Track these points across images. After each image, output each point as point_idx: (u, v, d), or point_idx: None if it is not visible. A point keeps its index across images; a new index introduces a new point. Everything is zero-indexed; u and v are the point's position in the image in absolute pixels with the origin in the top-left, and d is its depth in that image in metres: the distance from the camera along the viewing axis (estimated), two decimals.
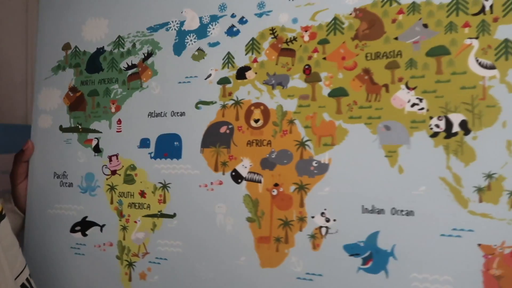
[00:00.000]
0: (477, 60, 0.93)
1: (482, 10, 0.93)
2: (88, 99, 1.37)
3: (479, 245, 0.90)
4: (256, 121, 1.13)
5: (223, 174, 1.15)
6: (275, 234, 1.08)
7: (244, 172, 1.13)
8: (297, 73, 1.10)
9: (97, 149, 1.33)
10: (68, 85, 1.41)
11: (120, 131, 1.31)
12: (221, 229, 1.14)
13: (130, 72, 1.31)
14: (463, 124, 0.93)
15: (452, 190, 0.93)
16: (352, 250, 1.00)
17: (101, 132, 1.34)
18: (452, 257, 0.92)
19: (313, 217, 1.05)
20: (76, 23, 1.41)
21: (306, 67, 1.09)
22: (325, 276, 1.02)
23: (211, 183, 1.16)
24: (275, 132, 1.10)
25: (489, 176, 0.90)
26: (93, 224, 1.32)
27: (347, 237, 1.01)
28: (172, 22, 1.26)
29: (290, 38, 1.11)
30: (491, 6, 0.92)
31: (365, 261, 0.99)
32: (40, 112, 1.44)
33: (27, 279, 1.08)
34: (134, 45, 1.32)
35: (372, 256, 0.98)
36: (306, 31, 1.09)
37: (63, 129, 1.40)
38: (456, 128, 0.94)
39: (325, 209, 1.04)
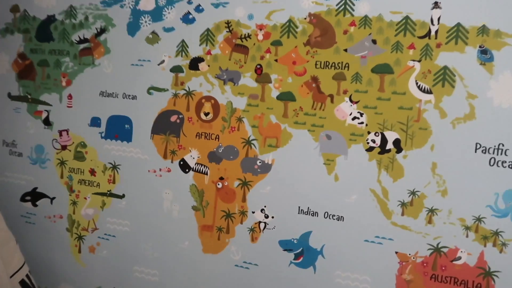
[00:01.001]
0: (416, 83, 0.97)
1: (428, 34, 0.96)
2: (38, 69, 1.33)
3: (396, 252, 1.00)
4: (206, 114, 1.15)
5: (172, 162, 1.19)
6: (218, 224, 1.15)
7: (192, 163, 1.17)
8: (248, 71, 1.11)
9: (47, 122, 1.32)
10: (17, 50, 1.35)
11: (71, 107, 1.29)
12: (168, 214, 1.20)
13: (82, 46, 1.27)
14: (397, 143, 0.99)
15: (379, 202, 1.01)
16: (286, 245, 1.09)
17: (51, 105, 1.32)
18: (372, 260, 1.02)
19: (253, 212, 1.12)
20: None
21: (258, 66, 1.10)
22: (260, 266, 1.12)
23: (160, 170, 1.20)
24: (224, 128, 1.13)
25: (413, 193, 0.98)
26: (43, 195, 1.34)
27: (282, 233, 1.09)
28: None
29: (245, 34, 1.10)
30: (436, 32, 0.95)
31: (297, 256, 1.08)
32: None
33: (27, 275, 1.06)
34: (86, 18, 1.26)
35: (303, 252, 1.08)
36: (260, 29, 1.09)
37: (11, 97, 1.37)
38: (390, 145, 1.00)
39: (265, 206, 1.10)
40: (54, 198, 1.33)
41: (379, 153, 1.01)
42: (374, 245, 1.02)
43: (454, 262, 0.97)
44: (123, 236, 1.25)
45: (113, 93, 1.24)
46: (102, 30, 1.25)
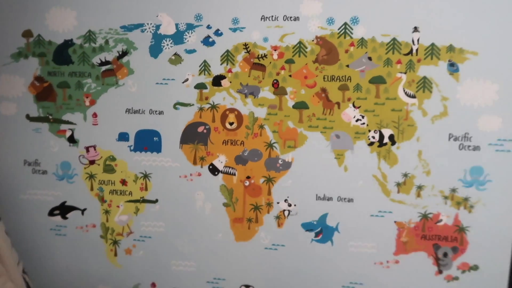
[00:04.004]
0: (404, 90, 1.26)
1: (411, 52, 1.24)
2: (58, 90, 1.41)
3: (395, 222, 1.30)
4: (231, 124, 1.34)
5: (201, 167, 1.37)
6: (247, 216, 1.36)
7: (220, 166, 1.36)
8: (267, 86, 1.32)
9: (72, 140, 1.41)
10: (33, 74, 1.42)
11: (97, 124, 1.40)
12: (201, 212, 1.38)
13: (104, 68, 1.38)
14: (391, 137, 1.28)
15: (380, 184, 1.29)
16: (308, 227, 1.34)
17: (75, 124, 1.41)
18: (377, 230, 1.31)
19: (278, 203, 1.34)
20: (38, 10, 1.38)
21: (275, 81, 1.31)
22: (287, 246, 1.35)
23: (191, 174, 1.37)
24: (248, 134, 1.34)
25: (405, 175, 1.28)
26: (73, 208, 1.43)
27: (304, 217, 1.34)
28: (148, 24, 1.35)
29: (261, 54, 1.31)
30: (417, 50, 1.24)
31: (317, 234, 1.34)
32: (1, 98, 1.43)
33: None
34: (107, 42, 1.37)
35: (322, 231, 1.33)
36: (275, 50, 1.30)
37: (30, 118, 1.43)
38: (386, 139, 1.28)
39: (288, 197, 1.34)
40: (85, 209, 1.43)
41: (378, 146, 1.28)
42: (378, 218, 1.30)
43: (437, 224, 1.29)
44: (158, 236, 1.41)
45: (139, 109, 1.38)
46: (124, 53, 1.37)
